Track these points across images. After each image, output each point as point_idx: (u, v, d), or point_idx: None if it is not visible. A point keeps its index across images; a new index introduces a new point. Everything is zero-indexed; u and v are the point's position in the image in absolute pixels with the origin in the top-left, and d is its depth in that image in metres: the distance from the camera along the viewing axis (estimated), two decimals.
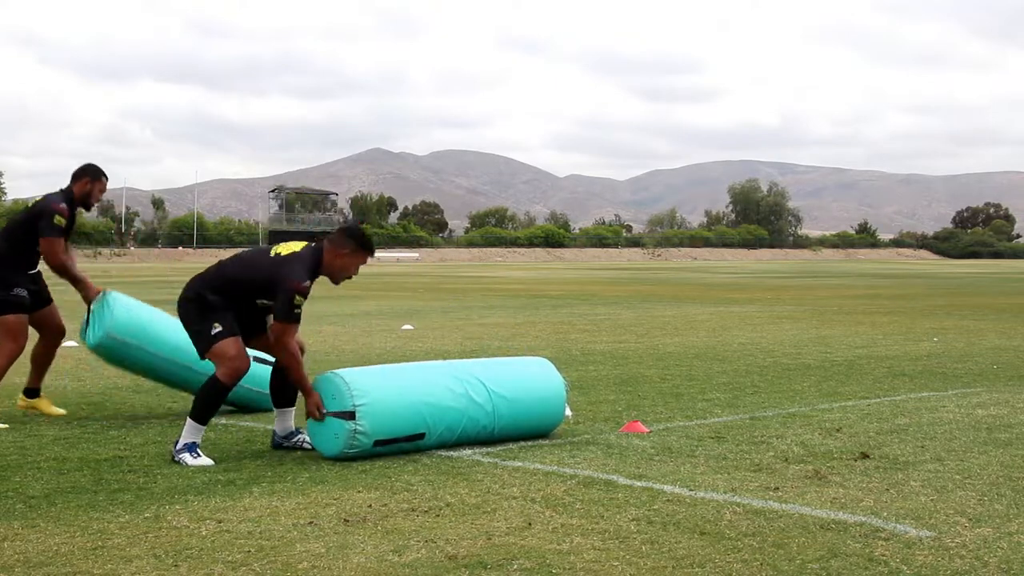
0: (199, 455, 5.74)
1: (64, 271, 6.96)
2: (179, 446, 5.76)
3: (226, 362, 5.82)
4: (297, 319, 5.76)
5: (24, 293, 6.91)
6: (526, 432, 6.36)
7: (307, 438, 6.16)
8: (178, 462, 5.69)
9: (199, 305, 5.90)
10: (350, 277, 6.02)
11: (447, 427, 5.99)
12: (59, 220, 6.90)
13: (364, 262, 6.05)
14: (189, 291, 6.00)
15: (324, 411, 5.75)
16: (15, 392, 7.99)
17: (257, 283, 5.87)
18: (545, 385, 6.46)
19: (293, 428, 6.21)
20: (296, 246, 5.94)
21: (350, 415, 5.67)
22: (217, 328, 5.82)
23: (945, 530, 4.42)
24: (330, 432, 5.76)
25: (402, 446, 5.88)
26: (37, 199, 7.11)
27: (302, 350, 6.21)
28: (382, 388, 5.85)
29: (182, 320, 6.03)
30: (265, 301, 5.92)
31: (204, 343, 5.87)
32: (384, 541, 4.22)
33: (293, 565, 3.91)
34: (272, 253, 5.94)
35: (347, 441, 5.70)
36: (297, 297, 5.70)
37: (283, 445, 6.15)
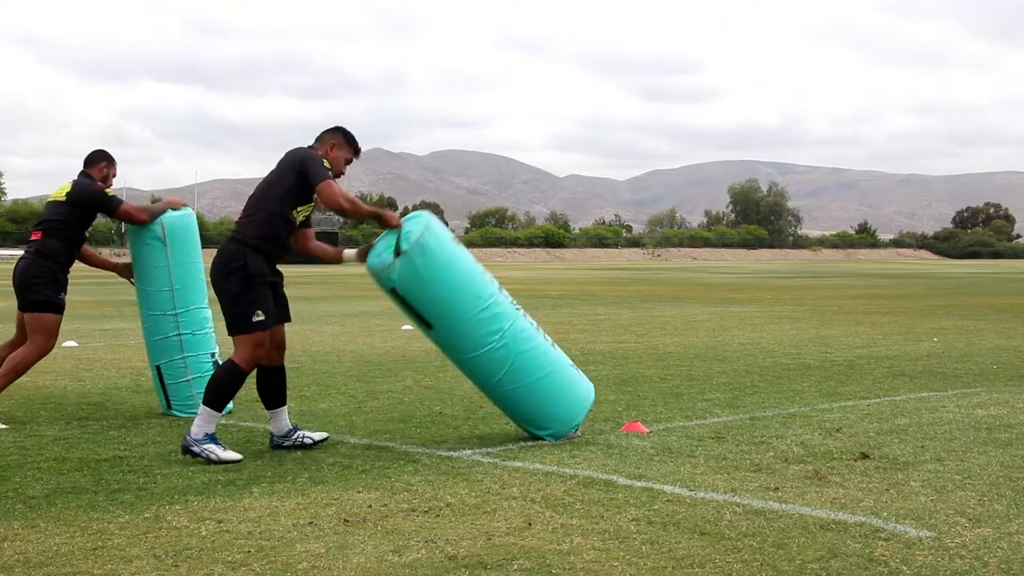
0: (225, 447, 5.74)
1: (155, 216, 7.14)
2: (199, 436, 5.68)
3: (251, 349, 5.84)
4: (331, 177, 5.97)
5: (64, 297, 7.04)
6: (518, 420, 6.37)
7: (307, 434, 6.17)
8: (200, 455, 5.65)
9: (243, 277, 5.84)
10: (342, 173, 6.24)
11: (453, 345, 6.17)
12: (109, 191, 7.05)
13: (350, 158, 6.28)
14: (236, 258, 5.87)
15: (399, 225, 5.98)
16: (16, 392, 8.00)
17: (292, 187, 5.95)
18: (570, 401, 6.38)
19: (290, 426, 6.20)
20: None
21: (398, 252, 5.88)
22: (259, 317, 5.84)
23: (945, 530, 4.42)
24: (379, 249, 6.00)
25: (410, 313, 6.09)
26: (66, 189, 7.00)
27: (283, 347, 6.21)
28: (442, 262, 5.99)
29: (220, 293, 5.93)
30: (300, 207, 6.02)
31: (241, 326, 5.84)
32: (384, 541, 4.22)
33: (293, 565, 3.91)
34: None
35: (378, 268, 5.95)
36: (324, 161, 5.96)
37: (283, 445, 6.15)
